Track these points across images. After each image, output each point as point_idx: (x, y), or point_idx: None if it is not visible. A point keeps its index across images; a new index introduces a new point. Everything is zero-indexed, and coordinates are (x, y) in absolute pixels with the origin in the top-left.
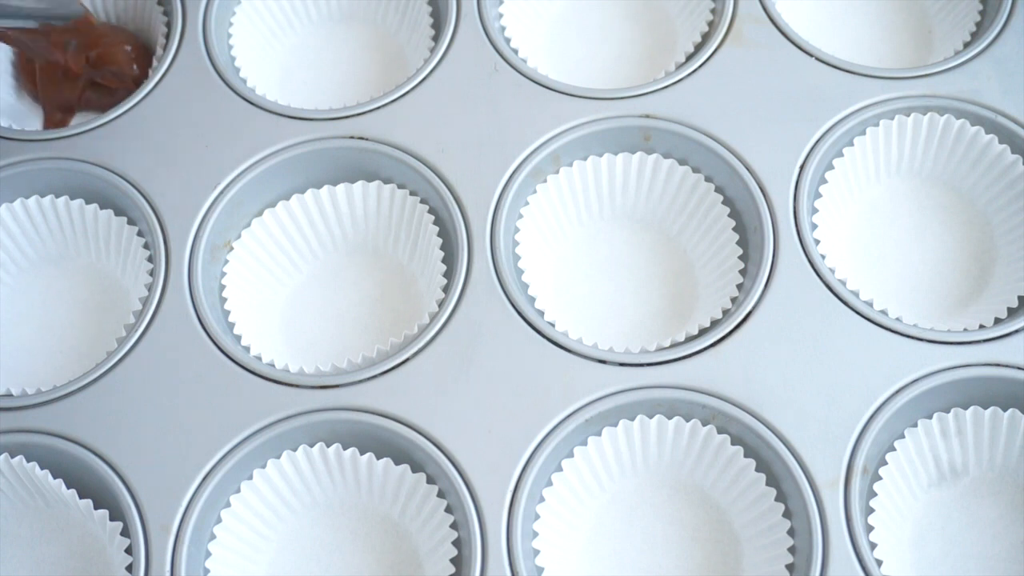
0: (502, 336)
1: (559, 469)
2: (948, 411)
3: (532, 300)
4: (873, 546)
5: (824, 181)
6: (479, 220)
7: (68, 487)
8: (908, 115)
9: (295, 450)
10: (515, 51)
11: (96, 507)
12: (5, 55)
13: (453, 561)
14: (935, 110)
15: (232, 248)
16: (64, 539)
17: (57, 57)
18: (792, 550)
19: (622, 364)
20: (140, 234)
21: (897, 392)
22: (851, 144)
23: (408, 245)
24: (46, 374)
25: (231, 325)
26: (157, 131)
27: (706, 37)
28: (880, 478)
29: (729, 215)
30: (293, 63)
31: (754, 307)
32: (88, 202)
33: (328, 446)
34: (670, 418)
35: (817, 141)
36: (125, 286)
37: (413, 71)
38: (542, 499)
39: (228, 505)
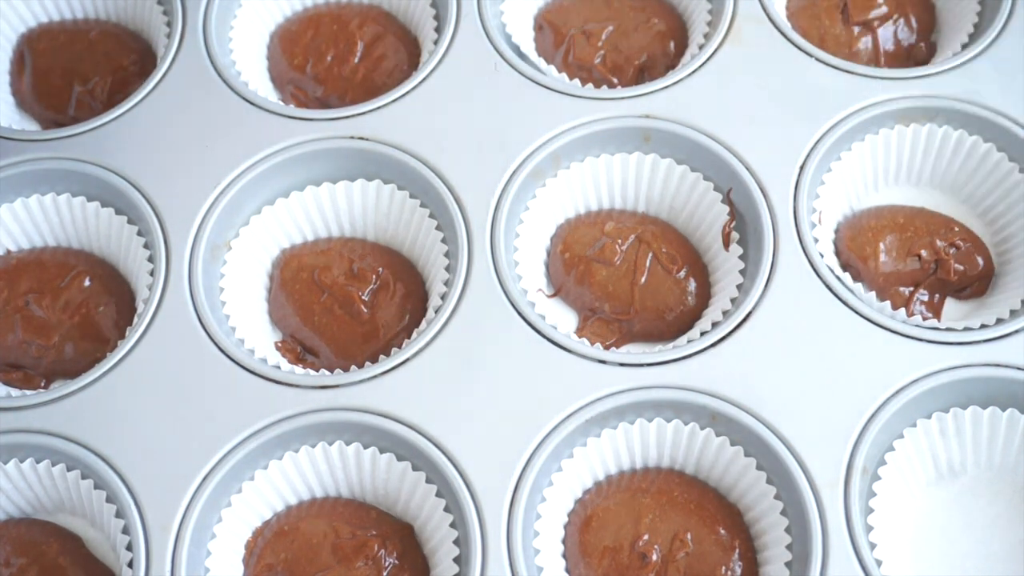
0: (502, 336)
1: (559, 469)
2: (947, 411)
3: (532, 302)
4: (873, 546)
5: (823, 183)
6: (479, 220)
7: (69, 487)
8: (907, 125)
9: (296, 451)
10: (515, 51)
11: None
12: (5, 55)
13: (456, 560)
14: (934, 111)
15: (231, 248)
16: None
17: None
18: (792, 549)
19: (622, 364)
20: (140, 234)
21: (897, 392)
22: (849, 149)
23: (408, 244)
24: None
25: (232, 327)
26: (157, 131)
27: (706, 37)
28: (879, 478)
29: (728, 214)
30: None
31: (754, 307)
32: (89, 200)
33: (330, 444)
34: (669, 419)
35: (817, 142)
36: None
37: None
38: (543, 499)
39: (229, 505)
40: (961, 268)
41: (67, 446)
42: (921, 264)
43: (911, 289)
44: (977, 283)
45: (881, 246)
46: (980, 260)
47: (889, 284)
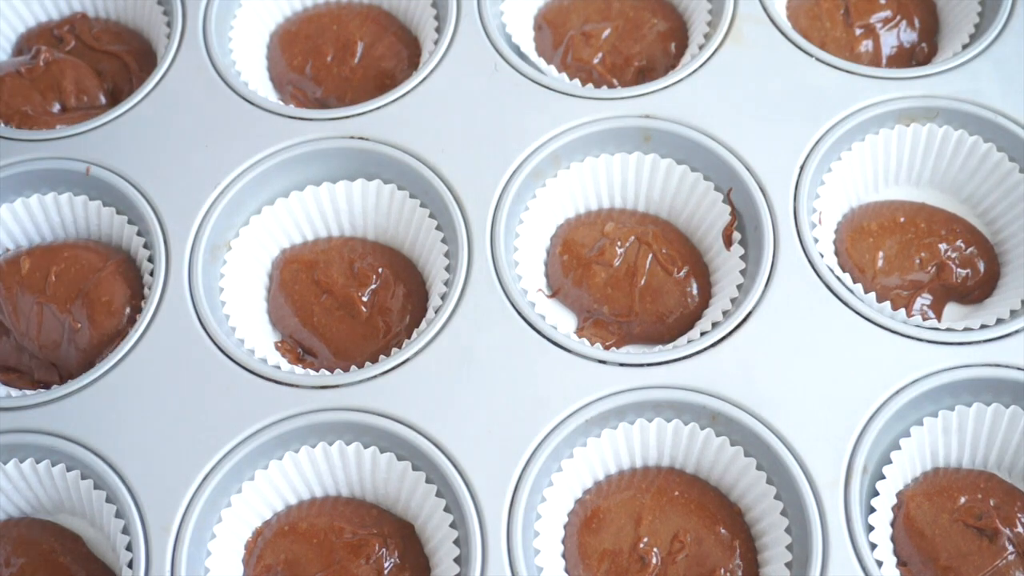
0: (502, 336)
1: (559, 469)
2: (951, 409)
3: (532, 302)
4: (873, 546)
5: (823, 183)
6: (479, 220)
7: (69, 487)
8: (908, 125)
9: (296, 451)
10: (515, 51)
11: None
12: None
13: (456, 560)
14: (935, 111)
15: (231, 248)
16: None
17: None
18: (792, 550)
19: (622, 364)
20: (140, 234)
21: (897, 392)
22: (849, 149)
23: (408, 244)
24: None
25: (232, 327)
26: (157, 131)
27: (706, 37)
28: (883, 477)
29: (729, 215)
30: None
31: (754, 307)
32: (91, 200)
33: (330, 444)
34: (669, 419)
35: (817, 141)
36: None
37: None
38: (543, 499)
39: (229, 505)
40: (964, 273)
41: (67, 446)
42: (922, 268)
43: (912, 292)
44: (980, 289)
45: (880, 254)
46: (982, 264)
47: (888, 291)
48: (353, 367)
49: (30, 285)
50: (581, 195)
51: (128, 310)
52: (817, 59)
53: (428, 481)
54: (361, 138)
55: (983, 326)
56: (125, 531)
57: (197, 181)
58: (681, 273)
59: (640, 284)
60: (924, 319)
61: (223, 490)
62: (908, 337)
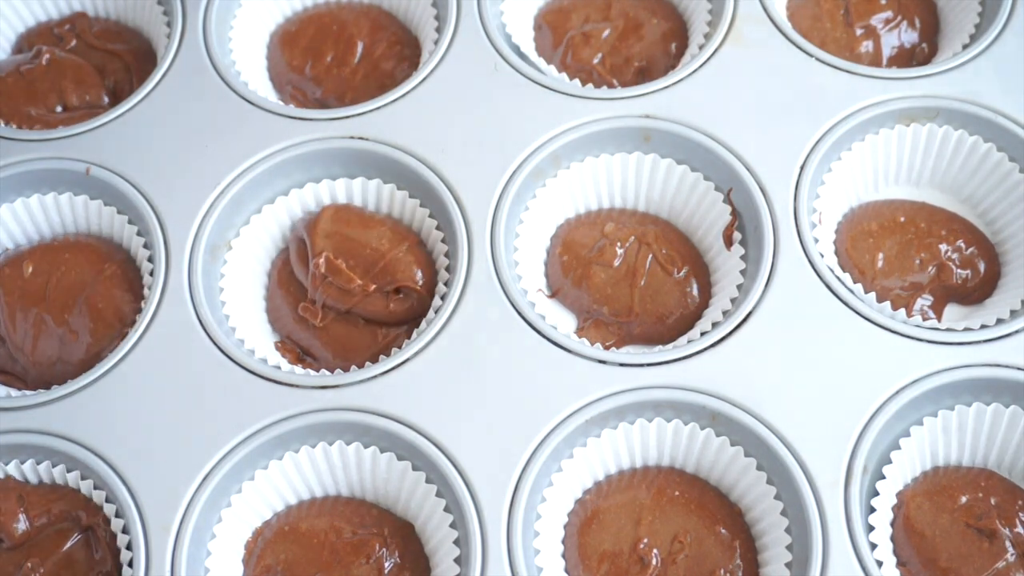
0: (502, 336)
1: (559, 470)
2: (951, 409)
3: (532, 302)
4: (874, 546)
5: (823, 183)
6: (479, 220)
7: (68, 487)
8: (908, 125)
9: (296, 451)
10: (515, 51)
11: None
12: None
13: (456, 560)
14: (935, 111)
15: (231, 248)
16: None
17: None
18: (792, 550)
19: (622, 364)
20: (140, 234)
21: (897, 392)
22: (850, 149)
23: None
24: None
25: (232, 327)
26: (157, 131)
27: (706, 37)
28: (883, 477)
29: (729, 215)
30: None
31: (754, 307)
32: (92, 199)
33: (330, 444)
34: (669, 419)
35: (817, 142)
36: None
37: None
38: (543, 499)
39: (229, 505)
40: (964, 274)
41: (67, 446)
42: (922, 268)
43: (912, 292)
44: (980, 290)
45: (880, 254)
46: (982, 265)
47: (888, 292)
48: (353, 367)
49: (31, 292)
50: (581, 195)
51: (127, 317)
52: (817, 59)
53: (428, 481)
54: (361, 138)
55: (983, 326)
56: (125, 531)
57: (197, 181)
58: (681, 273)
59: (640, 284)
60: (924, 319)
61: (223, 490)
62: (908, 337)
